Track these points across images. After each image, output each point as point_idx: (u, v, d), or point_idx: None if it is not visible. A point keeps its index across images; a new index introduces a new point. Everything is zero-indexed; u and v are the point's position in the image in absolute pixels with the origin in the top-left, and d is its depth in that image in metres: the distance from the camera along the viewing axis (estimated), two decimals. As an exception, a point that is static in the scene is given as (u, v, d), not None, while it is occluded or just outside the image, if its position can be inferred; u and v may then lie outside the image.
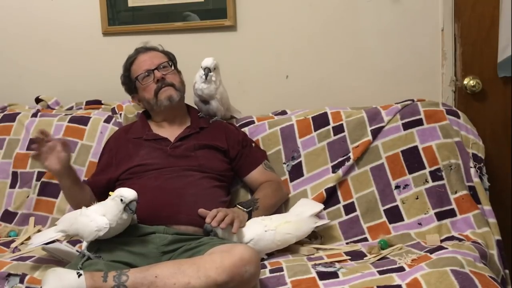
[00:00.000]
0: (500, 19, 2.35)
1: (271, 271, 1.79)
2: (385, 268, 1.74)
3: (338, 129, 2.29)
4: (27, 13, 2.72)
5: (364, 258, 1.91)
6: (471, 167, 2.18)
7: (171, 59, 2.26)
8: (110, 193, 1.76)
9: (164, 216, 1.92)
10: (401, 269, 1.72)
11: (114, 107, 2.50)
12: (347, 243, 2.10)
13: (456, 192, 2.12)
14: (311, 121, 2.33)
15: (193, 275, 1.58)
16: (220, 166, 2.14)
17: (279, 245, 1.98)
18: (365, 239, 2.10)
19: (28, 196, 2.34)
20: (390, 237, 2.05)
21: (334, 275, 1.72)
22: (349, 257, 1.91)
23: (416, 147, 2.20)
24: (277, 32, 2.56)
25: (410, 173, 2.17)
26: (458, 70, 2.47)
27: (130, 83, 2.25)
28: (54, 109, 2.61)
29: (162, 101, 2.16)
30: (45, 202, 2.31)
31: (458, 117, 2.27)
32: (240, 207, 2.01)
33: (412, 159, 2.18)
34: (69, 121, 2.44)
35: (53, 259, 1.89)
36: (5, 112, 2.56)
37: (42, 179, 2.33)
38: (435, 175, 2.15)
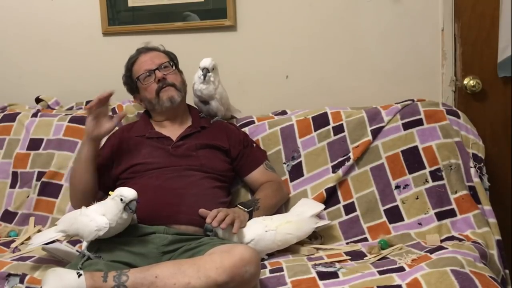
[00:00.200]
0: (500, 19, 2.35)
1: (271, 271, 1.79)
2: (385, 268, 1.74)
3: (338, 129, 2.29)
4: (27, 13, 2.72)
5: (364, 258, 1.91)
6: (471, 167, 2.18)
7: (172, 59, 2.26)
8: (110, 192, 1.77)
9: (164, 216, 1.92)
10: (401, 269, 1.72)
11: (114, 107, 2.50)
12: (347, 243, 2.10)
13: (456, 192, 2.12)
14: (311, 121, 2.33)
15: (193, 275, 1.58)
16: (221, 166, 2.14)
17: (279, 245, 1.98)
18: (365, 239, 2.10)
19: (28, 196, 2.34)
20: (390, 237, 2.05)
21: (334, 275, 1.73)
22: (349, 257, 1.91)
23: (416, 147, 2.20)
24: (277, 32, 2.56)
25: (410, 173, 2.17)
26: (458, 70, 2.47)
27: (131, 83, 2.25)
28: (54, 109, 2.61)
29: (163, 102, 2.16)
30: (45, 202, 2.31)
31: (458, 117, 2.27)
32: (241, 207, 2.02)
33: (412, 159, 2.18)
34: (69, 121, 2.44)
35: (53, 259, 1.89)
36: (5, 112, 2.56)
37: (42, 179, 2.33)
38: (435, 175, 2.15)
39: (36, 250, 1.92)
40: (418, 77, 2.49)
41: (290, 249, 2.01)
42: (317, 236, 2.11)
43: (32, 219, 2.29)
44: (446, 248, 1.84)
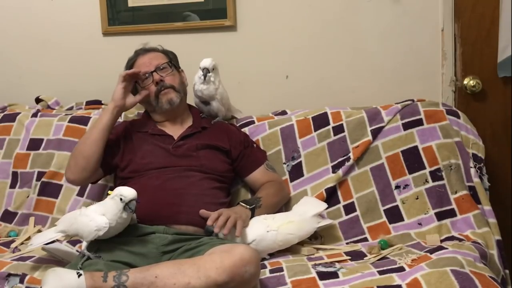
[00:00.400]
0: (500, 19, 2.35)
1: (271, 271, 1.79)
2: (385, 268, 1.74)
3: (338, 129, 2.29)
4: (27, 13, 2.72)
5: (364, 258, 1.91)
6: (471, 167, 2.18)
7: (171, 58, 2.24)
8: (109, 192, 1.76)
9: (164, 216, 1.92)
10: (401, 269, 1.72)
11: (114, 107, 2.50)
12: (347, 243, 2.10)
13: (456, 192, 2.12)
14: (311, 121, 2.33)
15: (193, 275, 1.58)
16: (221, 167, 2.14)
17: (281, 246, 1.97)
18: (365, 239, 2.10)
19: (28, 196, 2.34)
20: (390, 237, 2.05)
21: (334, 275, 1.73)
22: (349, 257, 1.91)
23: (416, 147, 2.20)
24: (277, 32, 2.56)
25: (410, 173, 2.17)
26: (458, 70, 2.47)
27: (131, 85, 2.24)
28: (54, 109, 2.61)
29: (163, 104, 2.16)
30: (45, 202, 2.31)
31: (458, 117, 2.27)
32: (243, 204, 2.01)
33: (412, 159, 2.18)
34: (69, 121, 2.44)
35: (53, 259, 1.89)
36: (5, 112, 2.56)
37: (42, 179, 2.33)
38: (435, 175, 2.15)
39: (36, 250, 1.92)
40: (418, 77, 2.49)
41: (290, 249, 2.01)
42: (317, 236, 2.11)
43: (32, 219, 2.29)
44: (446, 248, 1.84)
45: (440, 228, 2.07)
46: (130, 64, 2.24)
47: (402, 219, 2.12)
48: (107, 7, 2.64)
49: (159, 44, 2.28)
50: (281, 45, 2.56)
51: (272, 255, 1.98)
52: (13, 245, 2.09)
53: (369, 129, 2.26)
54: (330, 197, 2.18)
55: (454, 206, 2.11)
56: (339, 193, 2.20)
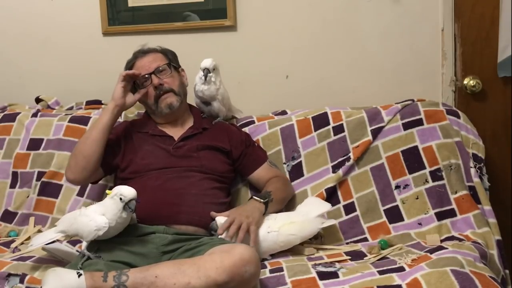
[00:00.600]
0: (500, 19, 2.35)
1: (271, 271, 1.79)
2: (385, 268, 1.74)
3: (338, 129, 2.29)
4: (27, 13, 2.72)
5: (364, 258, 1.91)
6: (471, 167, 2.18)
7: (170, 59, 2.22)
8: (108, 191, 1.76)
9: (164, 216, 1.92)
10: (401, 269, 1.72)
11: (114, 107, 2.50)
12: (347, 243, 2.10)
13: (456, 192, 2.12)
14: (311, 121, 2.33)
15: (193, 275, 1.58)
16: (221, 167, 2.14)
17: (282, 246, 1.97)
18: (365, 239, 2.10)
19: (28, 196, 2.34)
20: (390, 237, 2.05)
21: (334, 275, 1.73)
22: (349, 257, 1.91)
23: (416, 147, 2.20)
24: (277, 32, 2.56)
25: (410, 173, 2.17)
26: (458, 70, 2.47)
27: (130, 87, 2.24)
28: (54, 109, 2.61)
29: (162, 109, 2.15)
30: (45, 202, 2.31)
31: (458, 117, 2.27)
32: (257, 198, 2.00)
33: (412, 159, 2.18)
34: (69, 121, 2.44)
35: (53, 259, 1.89)
36: (5, 112, 2.56)
37: (42, 179, 2.33)
38: (435, 175, 2.15)
39: (36, 250, 1.92)
40: (418, 77, 2.49)
41: (290, 249, 2.01)
42: (317, 236, 2.10)
43: (32, 219, 2.29)
44: (446, 248, 1.83)
45: (440, 228, 2.07)
46: (129, 66, 2.22)
47: (402, 219, 2.12)
48: (107, 7, 2.64)
49: (158, 45, 2.27)
50: (281, 45, 2.56)
51: (272, 255, 1.98)
52: (13, 245, 2.09)
53: (369, 129, 2.26)
54: (330, 197, 2.18)
55: (454, 206, 2.11)
56: (339, 193, 2.20)
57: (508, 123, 2.44)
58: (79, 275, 1.57)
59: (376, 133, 2.25)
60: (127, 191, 1.72)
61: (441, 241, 1.99)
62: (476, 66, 2.46)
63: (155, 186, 2.00)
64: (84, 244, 1.77)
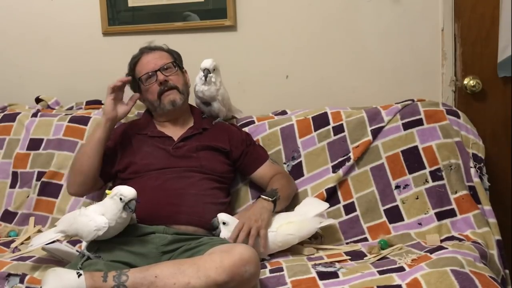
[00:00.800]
0: (500, 19, 2.35)
1: (271, 271, 1.79)
2: (385, 268, 1.74)
3: (338, 129, 2.29)
4: (27, 13, 2.72)
5: (364, 258, 1.91)
6: (471, 167, 2.18)
7: (176, 59, 2.23)
8: (107, 191, 1.76)
9: (164, 216, 1.92)
10: (401, 269, 1.72)
11: (114, 107, 2.50)
12: (347, 243, 2.10)
13: (456, 192, 2.12)
14: (311, 121, 2.33)
15: (193, 275, 1.58)
16: (221, 167, 2.14)
17: (280, 246, 1.97)
18: (365, 239, 2.10)
19: (28, 196, 2.34)
20: (390, 237, 2.05)
21: (334, 275, 1.73)
22: (349, 257, 1.91)
23: (416, 147, 2.20)
24: (277, 32, 2.56)
25: (410, 173, 2.17)
26: (458, 70, 2.47)
27: (134, 83, 2.23)
28: (54, 109, 2.61)
29: (165, 105, 2.16)
30: (45, 202, 2.31)
31: (458, 117, 2.27)
32: (265, 197, 2.00)
33: (412, 159, 2.18)
34: (69, 121, 2.44)
35: (53, 259, 1.89)
36: (5, 112, 2.56)
37: (42, 179, 2.33)
38: (435, 175, 2.15)
39: (36, 250, 1.92)
40: (418, 77, 2.49)
41: (290, 249, 2.01)
42: (317, 236, 2.11)
43: (32, 219, 2.29)
44: (446, 248, 1.83)
45: (440, 228, 2.07)
46: (135, 61, 2.23)
47: (402, 219, 2.12)
48: (107, 7, 2.64)
49: (164, 44, 2.27)
50: (281, 45, 2.56)
51: (272, 255, 1.98)
52: (13, 245, 2.09)
53: (369, 129, 2.26)
54: (330, 197, 2.18)
55: (454, 206, 2.11)
56: (339, 193, 2.20)
57: (508, 123, 2.44)
58: (79, 275, 1.57)
59: (376, 133, 2.25)
60: (127, 191, 1.72)
61: (441, 241, 1.99)
62: (476, 66, 2.46)
63: (155, 186, 2.00)
64: (84, 244, 1.77)
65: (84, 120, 2.43)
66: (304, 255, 1.96)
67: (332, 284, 1.67)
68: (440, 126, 2.22)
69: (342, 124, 2.29)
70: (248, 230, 1.89)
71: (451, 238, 2.00)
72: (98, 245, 1.77)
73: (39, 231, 2.22)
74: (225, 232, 1.91)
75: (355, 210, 2.16)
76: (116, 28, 2.66)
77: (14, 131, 2.46)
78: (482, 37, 2.43)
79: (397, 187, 2.17)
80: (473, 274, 1.61)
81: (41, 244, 1.84)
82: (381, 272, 1.70)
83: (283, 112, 2.47)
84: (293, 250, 2.01)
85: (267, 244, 1.92)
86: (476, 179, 2.16)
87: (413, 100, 2.33)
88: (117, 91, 2.09)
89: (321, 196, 2.17)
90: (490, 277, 1.64)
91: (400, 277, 1.63)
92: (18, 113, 2.52)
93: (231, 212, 2.06)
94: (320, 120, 2.33)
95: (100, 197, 2.26)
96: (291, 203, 2.19)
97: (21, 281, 1.66)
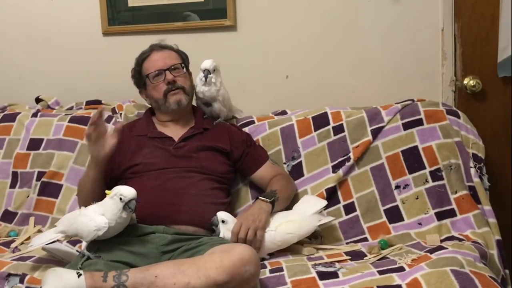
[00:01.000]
0: (500, 19, 2.35)
1: (271, 271, 1.79)
2: (385, 268, 1.74)
3: (338, 129, 2.29)
4: (27, 13, 2.72)
5: (364, 258, 1.91)
6: (471, 167, 2.18)
7: (184, 60, 2.23)
8: (107, 191, 1.76)
9: (164, 216, 1.92)
10: (401, 269, 1.72)
11: (114, 107, 2.50)
12: (347, 243, 2.10)
13: (456, 192, 2.12)
14: (311, 121, 2.33)
15: (193, 275, 1.58)
16: (221, 168, 2.14)
17: (279, 245, 1.97)
18: (365, 239, 2.10)
19: (28, 196, 2.34)
20: (390, 237, 2.05)
21: (334, 275, 1.73)
22: (349, 257, 1.91)
23: (416, 147, 2.20)
24: (277, 32, 2.56)
25: (410, 173, 2.17)
26: (458, 70, 2.47)
27: (140, 78, 2.22)
28: (54, 109, 2.61)
29: (170, 104, 2.16)
30: (45, 202, 2.31)
31: (458, 117, 2.27)
32: (263, 198, 2.01)
33: (412, 159, 2.18)
34: (69, 121, 2.43)
35: (53, 259, 1.89)
36: (5, 112, 2.56)
37: (42, 179, 2.33)
38: (435, 175, 2.15)
39: (36, 250, 1.92)
40: (418, 77, 2.49)
41: (290, 249, 2.01)
42: (317, 236, 2.11)
43: (32, 219, 2.29)
44: (446, 248, 1.84)
45: (440, 228, 2.07)
46: (143, 57, 2.21)
47: (402, 219, 2.12)
48: (107, 7, 2.64)
49: (174, 44, 2.26)
50: (281, 45, 2.56)
51: (272, 255, 1.98)
52: (13, 245, 2.09)
53: (369, 129, 2.26)
54: (330, 197, 2.18)
55: (454, 206, 2.11)
56: (339, 193, 2.20)
57: (508, 123, 2.44)
58: (79, 275, 1.57)
59: (376, 133, 2.25)
60: (127, 191, 1.72)
61: (441, 241, 1.99)
62: (476, 66, 2.46)
63: (155, 186, 2.00)
64: (84, 244, 1.77)
65: (84, 120, 2.43)
66: (304, 255, 1.96)
67: (332, 284, 1.67)
68: (440, 126, 2.22)
69: (342, 124, 2.29)
70: (246, 230, 1.89)
71: (451, 238, 2.00)
72: (98, 245, 1.77)
73: (39, 231, 2.22)
74: (223, 230, 1.91)
75: (355, 210, 2.16)
76: (116, 28, 2.66)
77: (14, 131, 2.46)
78: (482, 37, 2.43)
79: (397, 187, 2.17)
80: (473, 274, 1.61)
81: (41, 244, 1.84)
82: (381, 272, 1.70)
83: (283, 112, 2.47)
84: (293, 250, 2.01)
85: (263, 244, 1.93)
86: (476, 179, 2.16)
87: (413, 100, 2.33)
88: (95, 132, 1.94)
89: (321, 196, 2.17)
90: (490, 277, 1.64)
91: (400, 277, 1.63)
92: (18, 113, 2.52)
93: (231, 212, 2.06)
94: (320, 120, 2.33)
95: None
96: (290, 202, 2.19)
97: (21, 281, 1.66)
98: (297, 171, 2.27)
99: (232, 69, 2.48)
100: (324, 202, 2.10)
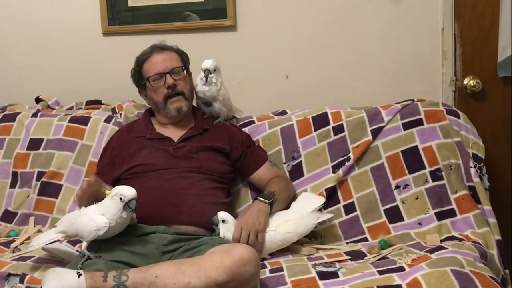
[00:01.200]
0: (500, 19, 2.35)
1: (271, 271, 1.79)
2: (385, 268, 1.74)
3: (338, 129, 2.29)
4: (27, 13, 2.72)
5: (364, 258, 1.91)
6: (471, 167, 2.18)
7: (185, 61, 2.21)
8: (107, 192, 1.76)
9: (164, 216, 1.92)
10: (401, 269, 1.72)
11: (114, 107, 2.50)
12: (347, 243, 2.11)
13: (456, 192, 2.12)
14: (311, 121, 2.33)
15: (193, 275, 1.58)
16: (221, 168, 2.13)
17: (280, 245, 1.97)
18: (365, 239, 2.11)
19: (28, 196, 2.34)
20: (390, 237, 2.05)
21: (334, 275, 1.73)
22: (349, 257, 1.91)
23: (416, 147, 2.20)
24: (277, 32, 2.56)
25: (410, 173, 2.17)
26: (458, 70, 2.47)
27: (140, 79, 2.21)
28: (54, 109, 2.61)
29: (170, 111, 2.15)
30: (45, 202, 2.31)
31: (458, 117, 2.27)
32: (261, 199, 2.01)
33: (412, 159, 2.18)
34: (69, 121, 2.44)
35: (53, 259, 1.89)
36: (5, 112, 2.56)
37: (42, 179, 2.33)
38: (435, 175, 2.15)
39: (36, 250, 1.92)
40: (418, 77, 2.49)
41: (290, 249, 2.01)
42: (317, 236, 2.11)
43: (32, 219, 2.29)
44: (446, 248, 1.84)
45: (440, 228, 2.07)
46: (144, 58, 2.19)
47: (402, 219, 2.12)
48: (107, 7, 2.64)
49: (175, 44, 2.25)
50: (281, 45, 2.56)
51: (272, 254, 1.98)
52: (13, 245, 2.09)
53: (369, 129, 2.26)
54: (330, 197, 2.18)
55: (454, 206, 2.11)
56: (339, 193, 2.20)
57: (508, 123, 2.44)
58: (79, 275, 1.57)
59: (376, 133, 2.25)
60: (127, 191, 1.72)
61: (441, 241, 1.99)
62: (476, 66, 2.46)
63: (155, 187, 2.00)
64: (84, 244, 1.77)
65: (84, 120, 2.43)
66: (304, 255, 1.97)
67: (332, 284, 1.67)
68: (440, 126, 2.22)
69: (342, 124, 2.29)
70: (247, 235, 1.90)
71: (451, 238, 2.00)
72: (98, 245, 1.77)
73: (39, 231, 2.22)
74: (224, 230, 1.91)
75: (355, 210, 2.16)
76: (116, 28, 2.66)
77: (14, 131, 2.46)
78: (482, 37, 2.43)
79: (397, 187, 2.17)
80: (473, 274, 1.61)
81: (41, 244, 1.84)
82: (381, 272, 1.70)
83: (283, 112, 2.47)
84: (293, 250, 2.01)
85: (264, 246, 1.93)
86: (476, 179, 2.16)
87: (413, 100, 2.33)
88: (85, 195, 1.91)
89: (321, 196, 2.17)
90: (490, 277, 1.64)
91: (400, 277, 1.63)
92: (18, 113, 2.52)
93: (232, 212, 2.06)
94: (320, 120, 2.33)
95: (100, 197, 2.26)
96: (290, 202, 2.19)
97: (21, 281, 1.66)
98: (297, 171, 2.27)
99: (232, 69, 2.48)
100: (322, 200, 2.10)
